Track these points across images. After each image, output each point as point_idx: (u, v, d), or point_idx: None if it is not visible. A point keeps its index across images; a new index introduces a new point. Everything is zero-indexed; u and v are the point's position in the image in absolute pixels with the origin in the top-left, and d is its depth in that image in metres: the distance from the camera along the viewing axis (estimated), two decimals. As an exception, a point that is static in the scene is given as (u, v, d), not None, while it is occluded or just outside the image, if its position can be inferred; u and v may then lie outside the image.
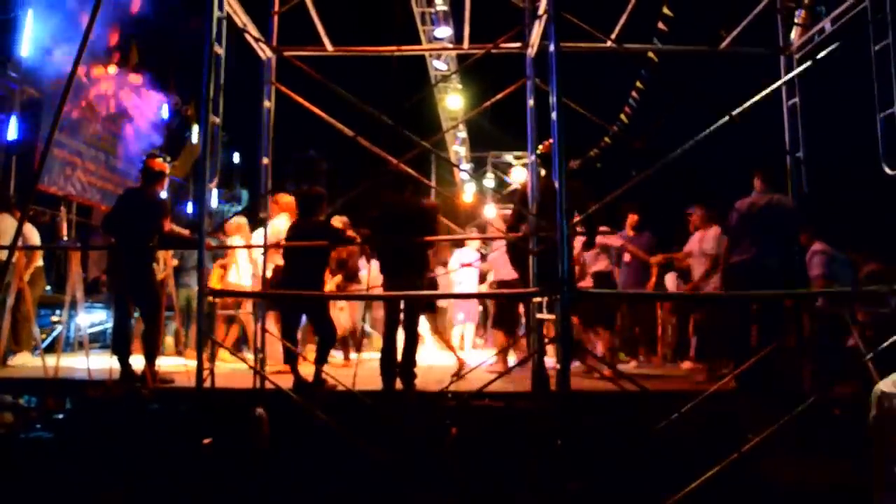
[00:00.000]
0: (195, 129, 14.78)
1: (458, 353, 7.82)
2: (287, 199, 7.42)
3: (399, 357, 5.83)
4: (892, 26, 4.65)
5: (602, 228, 7.40)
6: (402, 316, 5.96)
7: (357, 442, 4.40)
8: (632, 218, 8.27)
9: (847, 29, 5.41)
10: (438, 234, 6.33)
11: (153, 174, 6.31)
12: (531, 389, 5.45)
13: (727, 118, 4.52)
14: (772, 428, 4.16)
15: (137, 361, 5.95)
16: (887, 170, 4.62)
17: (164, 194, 6.55)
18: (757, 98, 4.73)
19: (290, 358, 5.98)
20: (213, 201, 14.37)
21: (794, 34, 6.14)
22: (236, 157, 19.92)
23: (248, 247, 7.45)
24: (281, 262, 6.70)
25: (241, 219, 8.23)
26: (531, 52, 5.94)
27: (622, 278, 8.20)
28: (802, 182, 5.85)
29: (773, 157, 6.18)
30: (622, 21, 6.00)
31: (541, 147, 6.04)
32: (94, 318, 9.82)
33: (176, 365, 6.99)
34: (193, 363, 4.77)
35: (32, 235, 7.73)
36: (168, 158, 6.70)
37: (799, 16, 6.08)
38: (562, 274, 4.02)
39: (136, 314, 6.44)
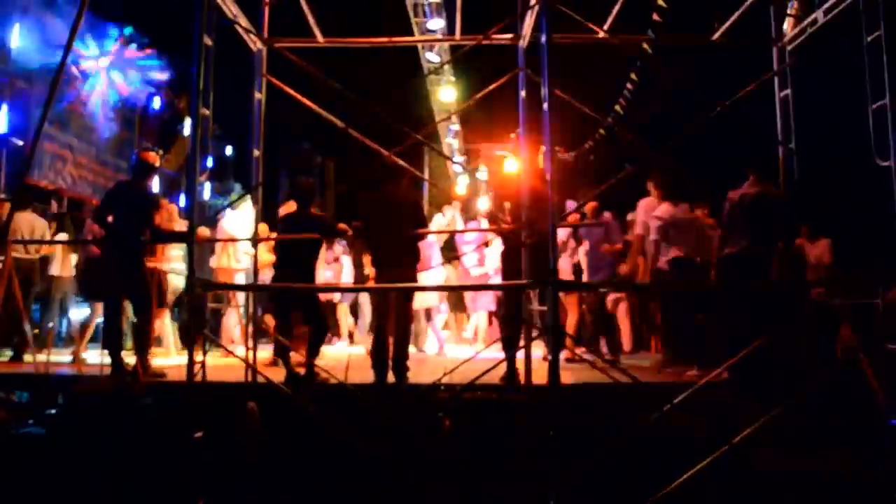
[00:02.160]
0: (187, 121, 14.70)
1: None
2: None
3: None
4: (883, 18, 4.64)
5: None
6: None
7: (349, 435, 4.39)
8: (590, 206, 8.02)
9: (839, 20, 5.40)
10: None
11: (146, 167, 6.26)
12: (523, 381, 5.46)
13: (718, 109, 4.51)
14: (763, 419, 4.16)
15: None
16: (878, 161, 4.62)
17: (154, 188, 6.52)
18: (749, 89, 4.73)
19: (283, 351, 5.97)
20: (206, 194, 14.26)
21: (786, 25, 6.13)
22: (228, 150, 19.84)
23: (237, 240, 7.41)
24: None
25: None
26: (523, 43, 5.92)
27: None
28: (794, 173, 5.85)
29: (766, 149, 6.19)
30: (615, 12, 5.98)
31: (513, 136, 6.11)
32: (85, 312, 9.77)
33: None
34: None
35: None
36: (160, 152, 6.66)
37: (792, 7, 6.08)
38: (551, 265, 4.01)
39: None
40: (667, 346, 7.02)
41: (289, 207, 6.88)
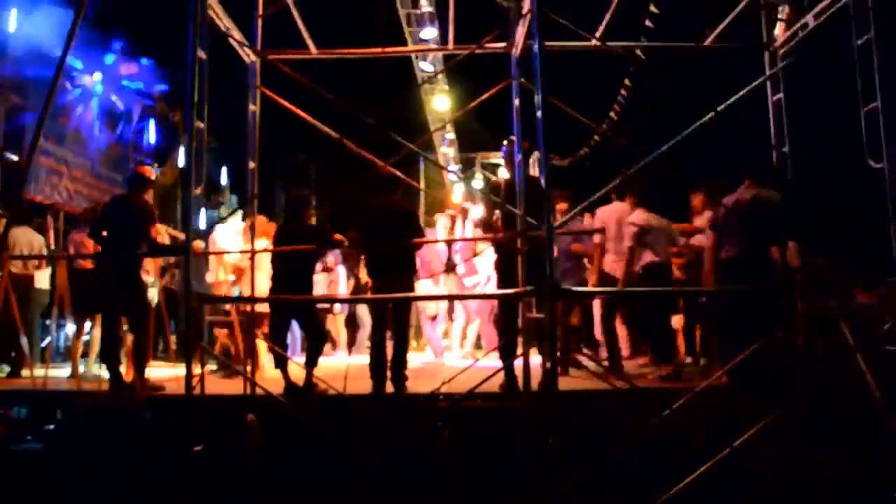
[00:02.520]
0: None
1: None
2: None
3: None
4: (873, 20, 4.68)
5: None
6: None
7: (349, 446, 4.39)
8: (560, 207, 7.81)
9: (830, 24, 5.44)
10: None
11: (142, 182, 6.25)
12: (521, 389, 5.45)
13: (712, 114, 4.53)
14: (763, 422, 4.17)
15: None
16: (872, 163, 4.65)
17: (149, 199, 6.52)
18: (741, 94, 4.75)
19: (280, 362, 5.97)
20: (201, 220, 14.17)
21: (777, 30, 6.17)
22: (224, 162, 19.84)
23: (232, 252, 7.41)
24: None
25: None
26: (516, 51, 5.94)
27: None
28: (788, 176, 5.88)
29: (760, 153, 6.23)
30: (606, 19, 6.01)
31: (505, 143, 6.14)
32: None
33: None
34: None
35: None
36: (156, 165, 6.69)
37: (782, 11, 6.11)
38: (548, 273, 4.02)
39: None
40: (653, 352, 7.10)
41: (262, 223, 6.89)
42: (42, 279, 7.89)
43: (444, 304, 8.91)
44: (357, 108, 5.00)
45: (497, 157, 16.64)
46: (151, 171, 6.41)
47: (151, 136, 14.22)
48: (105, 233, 6.17)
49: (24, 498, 5.02)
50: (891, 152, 4.53)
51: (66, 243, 7.91)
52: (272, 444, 5.03)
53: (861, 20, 4.80)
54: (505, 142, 6.26)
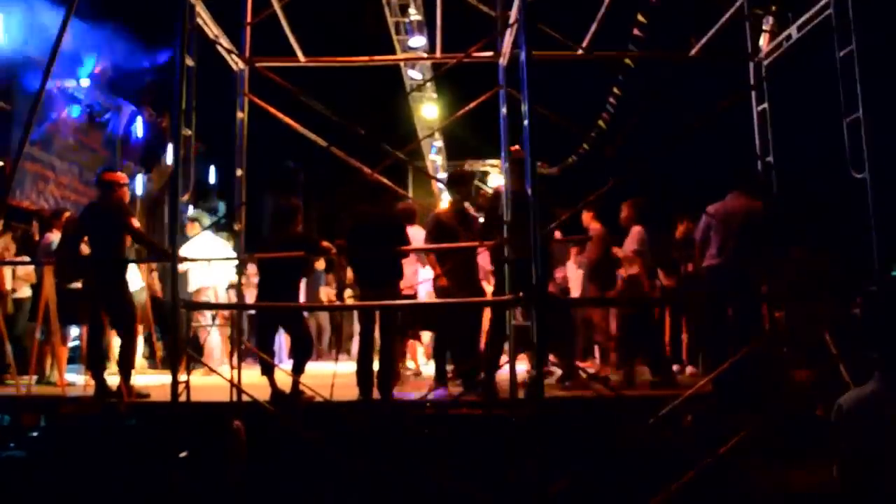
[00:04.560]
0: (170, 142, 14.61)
1: None
2: None
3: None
4: (855, 33, 4.75)
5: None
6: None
7: (335, 452, 4.39)
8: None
9: (813, 36, 5.51)
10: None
11: (106, 185, 6.21)
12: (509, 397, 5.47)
13: (695, 123, 4.58)
14: (745, 432, 4.20)
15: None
16: (854, 173, 4.70)
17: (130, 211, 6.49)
18: (725, 104, 4.81)
19: (267, 369, 5.96)
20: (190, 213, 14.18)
21: (762, 41, 6.24)
22: (212, 169, 19.75)
23: (223, 259, 7.40)
24: None
25: None
26: (503, 60, 5.98)
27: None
28: (772, 186, 5.94)
29: (745, 162, 6.28)
30: (593, 29, 6.06)
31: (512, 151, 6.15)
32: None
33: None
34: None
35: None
36: (141, 171, 6.65)
37: (767, 23, 6.19)
38: (536, 281, 4.04)
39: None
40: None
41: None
42: (23, 287, 7.81)
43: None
44: (345, 117, 5.02)
45: (485, 166, 16.72)
46: (118, 175, 6.35)
47: (139, 140, 14.20)
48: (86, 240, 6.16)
49: (6, 505, 4.99)
50: (872, 163, 4.59)
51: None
52: (258, 451, 5.02)
53: (842, 33, 4.86)
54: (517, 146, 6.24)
